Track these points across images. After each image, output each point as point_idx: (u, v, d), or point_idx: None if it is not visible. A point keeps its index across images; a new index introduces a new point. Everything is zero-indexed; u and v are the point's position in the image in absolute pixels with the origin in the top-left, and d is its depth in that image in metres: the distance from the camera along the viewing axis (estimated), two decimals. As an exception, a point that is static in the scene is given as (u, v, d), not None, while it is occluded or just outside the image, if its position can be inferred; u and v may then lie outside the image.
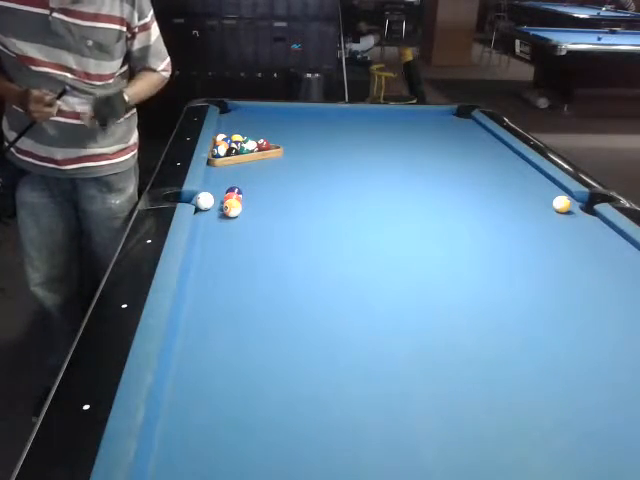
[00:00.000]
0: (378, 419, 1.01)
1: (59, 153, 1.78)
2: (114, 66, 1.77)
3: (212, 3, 4.80)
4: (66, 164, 1.80)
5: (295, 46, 4.94)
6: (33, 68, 1.65)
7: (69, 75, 1.68)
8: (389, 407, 1.03)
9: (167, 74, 1.96)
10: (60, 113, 1.68)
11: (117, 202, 1.91)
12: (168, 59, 1.95)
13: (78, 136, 1.77)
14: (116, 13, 1.69)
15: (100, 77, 1.73)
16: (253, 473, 0.89)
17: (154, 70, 1.91)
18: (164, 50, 1.93)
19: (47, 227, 1.91)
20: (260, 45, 4.94)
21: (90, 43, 1.67)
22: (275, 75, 4.95)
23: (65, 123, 1.73)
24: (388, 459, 0.93)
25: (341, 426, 0.98)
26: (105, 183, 1.90)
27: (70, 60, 1.67)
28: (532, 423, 1.01)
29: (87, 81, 1.72)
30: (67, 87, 1.65)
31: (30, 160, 1.79)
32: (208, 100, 2.74)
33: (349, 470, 0.90)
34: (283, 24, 4.90)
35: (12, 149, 1.79)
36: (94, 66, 1.70)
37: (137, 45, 1.82)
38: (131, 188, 1.97)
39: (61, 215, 1.93)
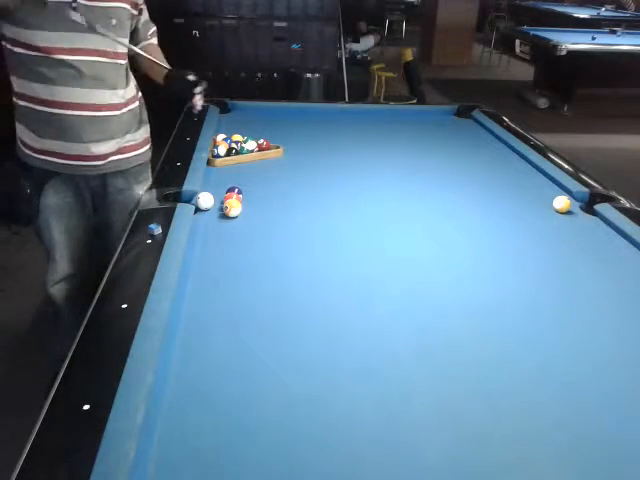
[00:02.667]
0: (379, 419, 1.01)
1: (95, 148, 1.79)
2: (126, 44, 1.86)
3: (212, 3, 4.81)
4: (100, 159, 1.82)
5: (295, 46, 4.94)
6: (65, 58, 1.67)
7: (101, 59, 1.73)
8: (389, 407, 1.03)
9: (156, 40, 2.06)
10: (93, 107, 1.74)
11: (141, 192, 1.93)
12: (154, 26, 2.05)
13: (112, 127, 1.81)
14: None
15: (124, 55, 1.81)
16: (253, 473, 0.89)
17: (154, 43, 2.01)
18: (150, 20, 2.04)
19: (69, 226, 1.92)
20: (260, 45, 4.94)
21: (114, 22, 1.74)
22: (275, 75, 4.96)
23: (97, 116, 1.77)
24: (388, 458, 0.93)
25: (341, 426, 0.98)
26: (132, 174, 1.95)
27: (100, 43, 1.72)
28: (532, 422, 1.01)
29: (116, 60, 1.77)
30: None
31: (61, 161, 1.79)
32: (208, 100, 2.74)
33: (349, 470, 0.90)
34: (283, 24, 4.90)
35: (35, 153, 1.79)
36: (119, 44, 1.77)
37: (142, 20, 1.92)
38: (150, 178, 2.00)
39: (83, 212, 1.95)
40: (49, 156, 1.79)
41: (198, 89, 1.81)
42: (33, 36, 1.63)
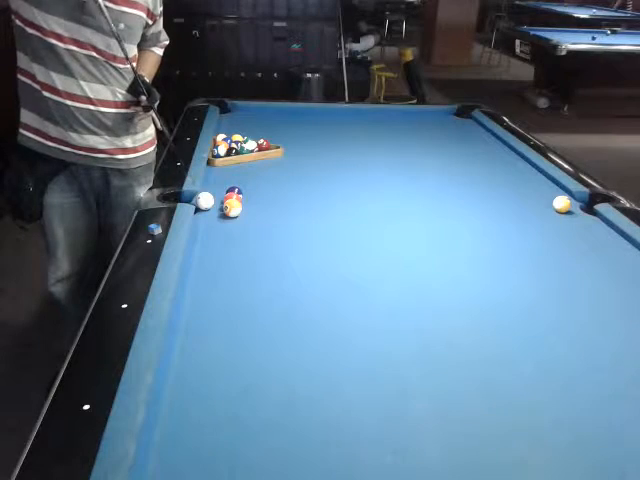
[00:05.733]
0: (378, 419, 1.01)
1: (79, 137, 1.80)
2: (134, 50, 1.86)
3: (212, 3, 4.81)
4: (84, 150, 1.83)
5: (295, 46, 4.94)
6: (62, 46, 1.68)
7: (95, 55, 1.73)
8: (389, 407, 1.03)
9: (162, 51, 2.09)
10: (86, 100, 1.76)
11: (143, 194, 1.94)
12: (167, 39, 2.09)
13: (104, 122, 1.82)
14: (143, 3, 1.80)
15: (122, 60, 1.79)
16: (253, 473, 0.89)
17: (155, 52, 2.03)
18: (164, 32, 2.06)
19: (73, 226, 1.94)
20: (260, 45, 4.94)
21: (122, 26, 1.74)
22: (275, 75, 4.95)
23: (88, 109, 1.78)
24: (387, 458, 0.93)
25: (341, 426, 0.98)
26: (134, 176, 1.96)
27: (100, 42, 1.72)
28: (532, 423, 1.01)
29: (113, 63, 1.77)
30: None
31: (43, 141, 1.81)
32: (208, 100, 2.74)
33: (349, 470, 0.90)
34: (283, 24, 4.90)
35: (25, 130, 1.81)
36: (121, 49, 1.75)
37: (153, 30, 1.95)
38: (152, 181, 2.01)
39: (87, 213, 1.97)
40: (35, 134, 1.80)
41: (142, 98, 1.78)
42: (41, 16, 1.64)
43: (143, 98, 1.77)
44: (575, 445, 0.97)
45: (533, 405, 1.05)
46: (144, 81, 1.80)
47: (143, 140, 1.96)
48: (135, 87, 1.78)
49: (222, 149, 2.12)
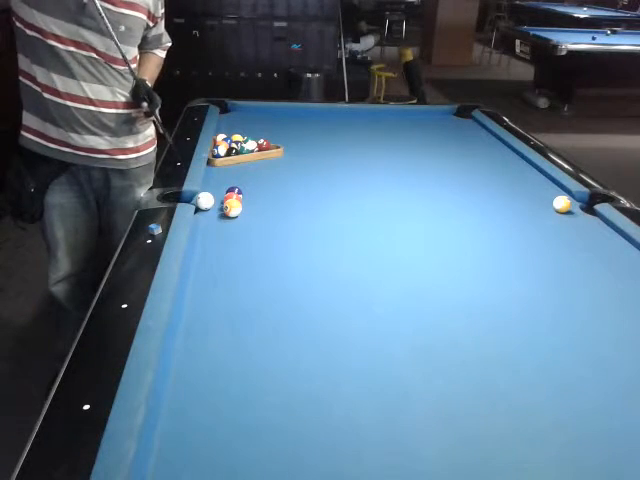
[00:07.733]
0: (378, 419, 1.01)
1: (80, 138, 1.81)
2: (134, 52, 1.86)
3: (212, 3, 4.81)
4: (85, 151, 1.83)
5: (295, 46, 4.95)
6: (62, 47, 1.68)
7: (95, 56, 1.73)
8: (389, 407, 1.03)
9: (164, 53, 2.10)
10: (86, 100, 1.76)
11: (143, 194, 1.94)
12: (170, 41, 2.10)
13: (105, 123, 1.82)
14: (143, 4, 1.80)
15: (122, 62, 1.78)
16: (253, 473, 0.89)
17: (157, 54, 2.04)
18: (166, 34, 2.07)
19: (73, 226, 1.95)
20: (260, 45, 4.94)
21: (122, 29, 1.74)
22: (275, 75, 4.96)
23: (89, 110, 1.78)
24: (388, 459, 0.93)
25: (341, 426, 0.98)
26: (134, 176, 1.97)
27: (99, 43, 1.72)
28: (531, 423, 1.01)
29: (113, 65, 1.77)
30: None
31: (44, 142, 1.81)
32: (208, 100, 2.74)
33: (349, 470, 0.90)
34: (283, 24, 4.91)
35: (26, 132, 1.81)
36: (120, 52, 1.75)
37: (155, 32, 1.95)
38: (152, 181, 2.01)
39: (87, 213, 1.97)
40: (36, 136, 1.80)
41: (144, 104, 1.80)
42: (41, 18, 1.65)
43: (145, 104, 1.77)
44: (574, 446, 0.97)
45: (533, 406, 1.05)
46: (146, 86, 1.80)
47: (144, 140, 1.97)
48: (137, 93, 1.78)
49: (222, 149, 2.12)
